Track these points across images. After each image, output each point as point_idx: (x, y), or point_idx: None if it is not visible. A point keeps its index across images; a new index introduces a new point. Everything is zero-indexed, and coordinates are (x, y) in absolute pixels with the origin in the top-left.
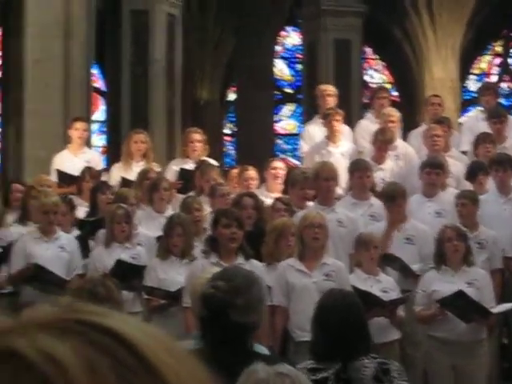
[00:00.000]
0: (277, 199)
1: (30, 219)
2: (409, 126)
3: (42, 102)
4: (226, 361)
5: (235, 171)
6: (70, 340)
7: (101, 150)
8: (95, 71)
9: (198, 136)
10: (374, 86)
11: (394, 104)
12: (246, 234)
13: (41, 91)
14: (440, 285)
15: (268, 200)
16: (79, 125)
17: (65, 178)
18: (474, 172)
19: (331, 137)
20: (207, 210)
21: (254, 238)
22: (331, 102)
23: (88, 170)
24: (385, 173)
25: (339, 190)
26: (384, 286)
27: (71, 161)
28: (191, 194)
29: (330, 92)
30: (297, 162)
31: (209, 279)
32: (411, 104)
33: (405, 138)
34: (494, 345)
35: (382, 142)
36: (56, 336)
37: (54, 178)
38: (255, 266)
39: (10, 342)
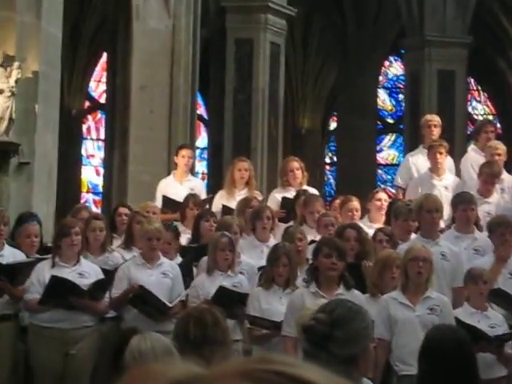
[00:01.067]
0: (379, 230)
1: (135, 245)
2: None
3: (147, 128)
4: None
5: (338, 201)
6: None
7: (201, 176)
8: (199, 98)
9: (296, 164)
10: (477, 117)
11: (497, 136)
12: (347, 265)
13: (146, 117)
14: None
15: (371, 231)
16: (185, 152)
17: (170, 204)
18: None
19: (435, 169)
20: (309, 239)
21: (355, 269)
22: (436, 132)
23: (192, 197)
24: (490, 206)
25: (442, 224)
26: (492, 321)
27: (176, 187)
28: (292, 223)
29: (435, 122)
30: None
31: (314, 311)
32: None
33: (508, 170)
34: None
35: (489, 176)
36: None
37: (158, 203)
38: (356, 296)
39: None
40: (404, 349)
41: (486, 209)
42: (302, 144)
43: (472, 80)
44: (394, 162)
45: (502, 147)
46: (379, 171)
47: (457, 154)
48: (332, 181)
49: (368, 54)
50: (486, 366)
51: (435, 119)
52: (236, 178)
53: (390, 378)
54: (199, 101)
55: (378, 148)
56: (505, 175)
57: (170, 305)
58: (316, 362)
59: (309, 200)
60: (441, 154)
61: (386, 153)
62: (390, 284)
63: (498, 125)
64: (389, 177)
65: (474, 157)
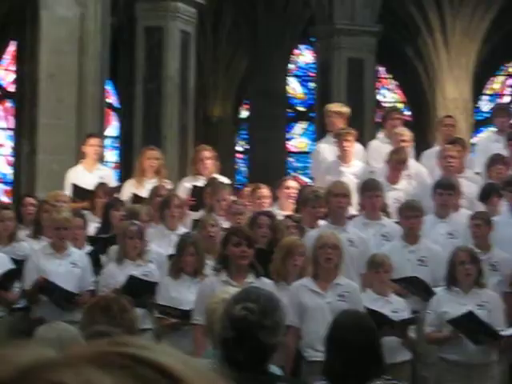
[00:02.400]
0: (287, 217)
1: (43, 234)
2: (420, 145)
3: (56, 117)
4: (246, 382)
5: (248, 189)
6: (115, 373)
7: (113, 165)
8: (108, 87)
9: (208, 153)
10: (387, 105)
11: (405, 124)
12: (258, 252)
13: (54, 106)
14: (450, 306)
15: (280, 219)
16: (94, 141)
17: (80, 192)
18: (487, 193)
19: (343, 157)
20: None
21: (266, 256)
22: (340, 122)
23: (102, 186)
24: (399, 193)
25: (352, 210)
26: (395, 306)
27: (85, 176)
28: (201, 212)
29: (339, 111)
30: (308, 180)
31: (234, 300)
32: (423, 124)
33: (416, 157)
34: (505, 367)
35: (396, 162)
36: (101, 369)
37: (68, 192)
38: (265, 284)
39: (59, 377)
40: (314, 335)
41: (395, 195)
42: (213, 132)
43: (381, 68)
44: (305, 149)
45: (408, 133)
46: (290, 159)
47: (366, 141)
48: (243, 169)
49: (278, 42)
50: (392, 350)
51: (339, 109)
52: (145, 166)
53: (301, 364)
54: (110, 90)
55: (289, 136)
56: (411, 162)
57: (77, 293)
58: (240, 350)
59: (216, 188)
60: (349, 141)
61: (297, 140)
62: (292, 271)
63: (407, 112)
64: (300, 164)
65: (375, 145)
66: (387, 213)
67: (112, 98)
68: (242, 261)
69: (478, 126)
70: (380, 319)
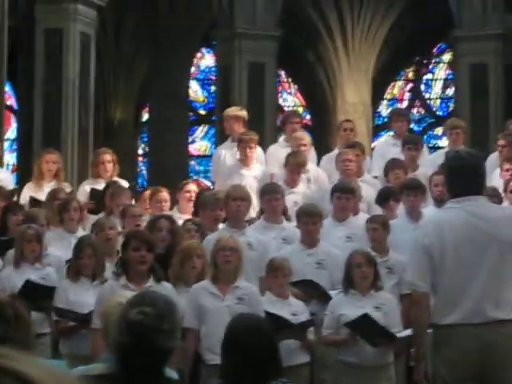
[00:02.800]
0: (187, 220)
1: None
2: (321, 149)
3: None
4: None
5: (147, 192)
6: None
7: (11, 168)
8: (7, 89)
9: (108, 156)
10: (288, 109)
11: (306, 127)
12: (157, 257)
13: None
14: (347, 309)
15: (180, 222)
16: None
17: None
18: (384, 197)
19: (244, 160)
20: (119, 231)
21: (165, 260)
22: (238, 126)
23: None
24: (297, 196)
25: (252, 214)
26: (294, 309)
27: None
28: (101, 215)
29: (236, 115)
30: (209, 184)
31: (130, 304)
32: (324, 128)
33: (317, 161)
34: (402, 368)
35: (294, 165)
36: None
37: None
38: (166, 288)
39: None
40: (213, 338)
41: (293, 198)
42: (114, 135)
43: (282, 72)
44: (207, 153)
45: (306, 137)
46: (192, 162)
47: (267, 145)
48: (145, 172)
49: (180, 45)
50: (290, 353)
51: (236, 113)
52: (44, 170)
53: (200, 367)
54: (9, 91)
55: (190, 139)
56: (310, 166)
57: None
58: (137, 355)
59: (116, 192)
60: (250, 147)
61: (199, 144)
62: (191, 274)
63: (308, 116)
64: (201, 168)
65: (273, 150)
66: (287, 216)
67: (11, 100)
68: (142, 265)
69: (378, 130)
70: (278, 322)
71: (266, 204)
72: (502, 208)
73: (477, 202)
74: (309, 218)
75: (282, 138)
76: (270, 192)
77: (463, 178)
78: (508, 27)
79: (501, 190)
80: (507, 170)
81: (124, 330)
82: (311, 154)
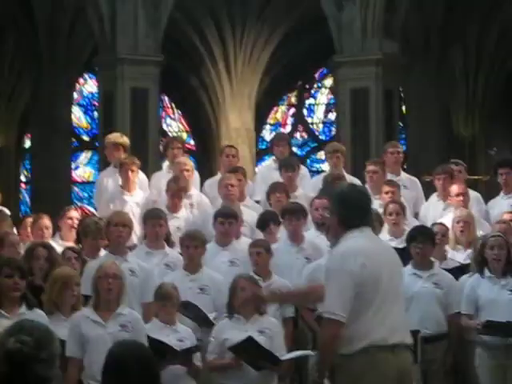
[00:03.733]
0: (67, 248)
1: None
2: (205, 174)
3: None
4: None
5: (29, 219)
6: None
7: None
8: None
9: None
10: (172, 134)
11: (190, 152)
12: (31, 284)
13: None
14: (232, 333)
15: (61, 249)
16: None
17: None
18: (265, 221)
19: (126, 186)
20: None
21: (40, 287)
22: (119, 153)
23: None
24: (179, 221)
25: (134, 240)
26: (181, 335)
27: None
28: None
29: (117, 142)
30: (93, 210)
31: (7, 333)
32: (207, 152)
33: (201, 186)
34: None
35: (175, 191)
36: None
37: None
38: (39, 315)
39: None
40: (95, 366)
41: (176, 224)
42: None
43: (166, 97)
44: (90, 179)
45: (189, 163)
46: (76, 188)
47: (151, 171)
48: (28, 199)
49: (62, 71)
50: (176, 379)
51: (116, 140)
52: None
53: None
54: None
55: (74, 165)
56: (194, 191)
57: None
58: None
59: None
60: (132, 170)
61: (82, 170)
62: (68, 302)
63: (192, 141)
64: (85, 194)
65: (156, 177)
66: (170, 241)
67: None
68: (14, 292)
69: (261, 154)
70: (162, 348)
71: (148, 230)
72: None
73: (370, 232)
74: (191, 242)
75: (165, 164)
76: (152, 217)
77: (360, 209)
78: (387, 52)
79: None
80: (387, 193)
81: (1, 359)
82: (194, 179)
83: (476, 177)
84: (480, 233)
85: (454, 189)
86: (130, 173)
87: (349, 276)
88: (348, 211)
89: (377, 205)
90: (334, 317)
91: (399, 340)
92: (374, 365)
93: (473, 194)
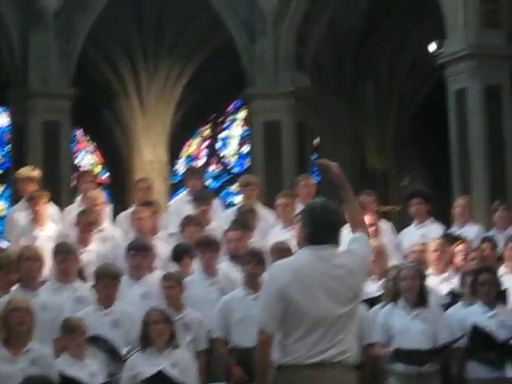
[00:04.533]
0: None
1: None
2: (119, 207)
3: None
4: None
5: None
6: None
7: None
8: None
9: None
10: (85, 168)
11: (104, 186)
12: None
13: None
14: (144, 367)
15: None
16: None
17: None
18: (178, 254)
19: (36, 220)
20: None
21: None
22: (30, 187)
23: None
24: (91, 255)
25: (45, 274)
26: (91, 369)
27: None
28: None
29: (28, 176)
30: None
31: None
32: (121, 186)
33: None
34: None
35: (85, 224)
36: None
37: None
38: None
39: None
40: None
41: (87, 257)
42: None
43: (79, 131)
44: (3, 213)
45: (100, 196)
46: None
47: (63, 204)
48: None
49: None
50: None
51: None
52: None
53: None
54: None
55: None
56: (106, 224)
57: None
58: None
59: None
60: (41, 204)
61: None
62: None
63: (106, 175)
64: None
65: (68, 210)
66: (83, 275)
67: None
68: None
69: (175, 188)
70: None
71: (57, 264)
72: (351, 255)
73: (330, 250)
74: (105, 276)
75: (78, 198)
76: (61, 252)
77: (324, 229)
78: (299, 85)
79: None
80: (281, 205)
81: None
82: (107, 212)
83: (388, 207)
84: (392, 263)
85: (365, 219)
86: (39, 206)
87: (276, 289)
88: (314, 227)
89: (289, 236)
90: (261, 326)
91: (324, 358)
92: (300, 381)
93: (384, 224)
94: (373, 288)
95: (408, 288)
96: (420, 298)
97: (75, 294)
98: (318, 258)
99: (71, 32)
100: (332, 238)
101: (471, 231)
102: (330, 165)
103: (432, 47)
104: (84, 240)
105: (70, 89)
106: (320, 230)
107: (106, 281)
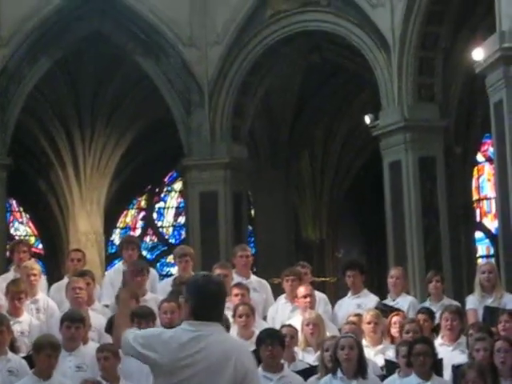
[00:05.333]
0: None
1: None
2: (53, 278)
3: None
4: None
5: None
6: None
7: None
8: None
9: None
10: (19, 238)
11: (38, 256)
12: None
13: None
14: None
15: None
16: None
17: None
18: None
19: None
20: None
21: None
22: None
23: None
24: (22, 325)
25: None
26: None
27: None
28: None
29: None
30: None
31: None
32: (56, 256)
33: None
34: None
35: (15, 293)
36: None
37: None
38: None
39: None
40: None
41: (19, 328)
42: None
43: (14, 201)
44: None
45: (36, 267)
46: None
47: None
48: None
49: None
50: None
51: None
52: None
53: None
54: None
55: None
56: (40, 295)
57: None
58: None
59: None
60: None
61: None
62: None
63: (40, 245)
64: None
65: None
66: (15, 347)
67: None
68: None
69: (111, 258)
70: None
71: None
72: (230, 341)
73: (213, 328)
74: (45, 348)
75: (12, 268)
76: None
77: (208, 302)
78: (235, 156)
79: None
80: (236, 295)
81: None
82: (41, 283)
83: (323, 278)
84: (327, 334)
85: (301, 291)
86: None
87: (149, 360)
88: (197, 301)
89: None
90: (127, 338)
91: None
92: None
93: (319, 295)
94: (310, 359)
95: (346, 358)
96: (359, 368)
97: (7, 365)
98: (198, 337)
99: (7, 103)
100: (217, 314)
101: (405, 302)
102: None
103: (367, 119)
104: (14, 310)
105: (5, 159)
106: (205, 304)
107: (48, 351)
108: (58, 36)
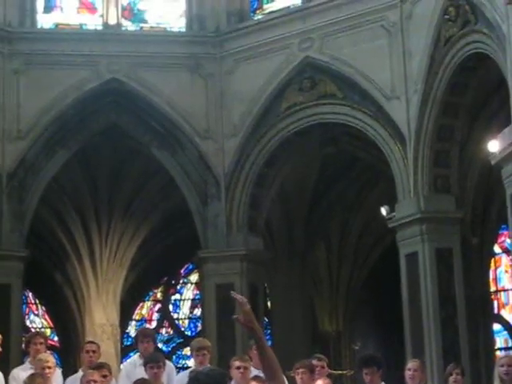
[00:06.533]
0: None
1: None
2: (69, 371)
3: None
4: None
5: None
6: None
7: None
8: None
9: None
10: (35, 330)
11: (53, 349)
12: None
13: None
14: None
15: None
16: None
17: None
18: None
19: None
20: None
21: None
22: None
23: None
24: None
25: None
26: None
27: None
28: None
29: None
30: None
31: None
32: (71, 349)
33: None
34: None
35: None
36: None
37: None
38: None
39: None
40: None
41: None
42: None
43: (30, 293)
44: None
45: (51, 359)
46: None
47: (12, 367)
48: None
49: None
50: None
51: None
52: None
53: None
54: None
55: None
56: None
57: None
58: None
59: None
60: None
61: None
62: None
63: (56, 338)
64: None
65: (15, 373)
66: None
67: None
68: None
69: (127, 350)
70: None
71: None
72: None
73: None
74: None
75: (27, 361)
76: None
77: None
78: (251, 248)
79: None
80: (238, 368)
81: None
82: (56, 375)
83: (340, 371)
84: None
85: None
86: None
87: None
88: None
89: None
90: None
91: None
92: None
93: None
94: None
95: None
96: None
97: None
98: None
99: (25, 194)
100: None
101: None
102: (239, 300)
103: (383, 211)
104: None
105: (22, 250)
106: None
107: None
108: (75, 129)
